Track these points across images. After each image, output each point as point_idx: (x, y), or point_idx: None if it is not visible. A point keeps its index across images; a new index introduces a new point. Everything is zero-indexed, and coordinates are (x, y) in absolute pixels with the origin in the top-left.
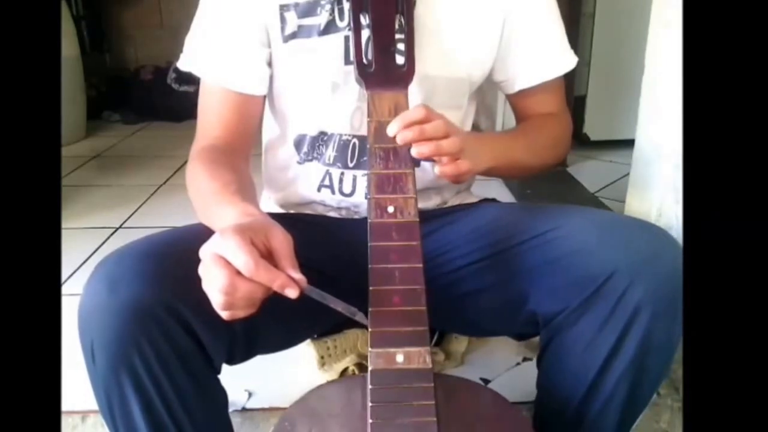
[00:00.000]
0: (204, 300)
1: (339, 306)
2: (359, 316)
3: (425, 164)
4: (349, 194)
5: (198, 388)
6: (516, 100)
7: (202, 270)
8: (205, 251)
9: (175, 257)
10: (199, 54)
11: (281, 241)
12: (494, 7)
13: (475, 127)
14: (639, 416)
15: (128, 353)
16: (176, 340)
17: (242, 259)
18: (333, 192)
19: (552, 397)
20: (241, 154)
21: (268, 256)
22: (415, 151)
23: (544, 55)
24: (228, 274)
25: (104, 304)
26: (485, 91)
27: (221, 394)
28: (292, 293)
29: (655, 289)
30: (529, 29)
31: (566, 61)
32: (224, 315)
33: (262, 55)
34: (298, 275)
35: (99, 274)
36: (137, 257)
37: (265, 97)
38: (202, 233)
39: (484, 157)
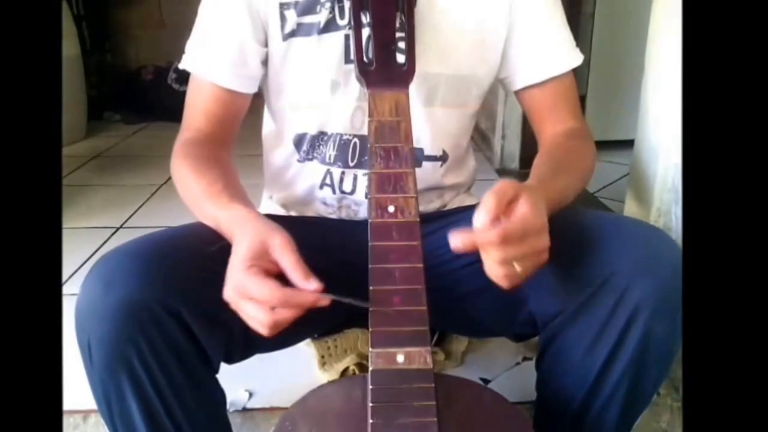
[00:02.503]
0: (200, 298)
1: (353, 301)
2: (364, 303)
3: (426, 164)
4: (349, 193)
5: (195, 387)
6: (522, 98)
7: (237, 309)
8: (231, 294)
9: (171, 256)
10: (192, 49)
11: (280, 247)
12: (497, 5)
13: (476, 128)
14: (639, 416)
15: (125, 351)
16: (173, 338)
17: (269, 295)
18: (334, 191)
19: (552, 398)
20: (222, 144)
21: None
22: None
23: (544, 52)
24: (265, 312)
25: (100, 303)
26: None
27: (219, 393)
28: (323, 303)
29: (653, 290)
30: (531, 26)
31: (568, 58)
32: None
33: (256, 54)
34: (311, 285)
35: (95, 273)
36: (133, 256)
37: (253, 94)
38: (199, 232)
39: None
